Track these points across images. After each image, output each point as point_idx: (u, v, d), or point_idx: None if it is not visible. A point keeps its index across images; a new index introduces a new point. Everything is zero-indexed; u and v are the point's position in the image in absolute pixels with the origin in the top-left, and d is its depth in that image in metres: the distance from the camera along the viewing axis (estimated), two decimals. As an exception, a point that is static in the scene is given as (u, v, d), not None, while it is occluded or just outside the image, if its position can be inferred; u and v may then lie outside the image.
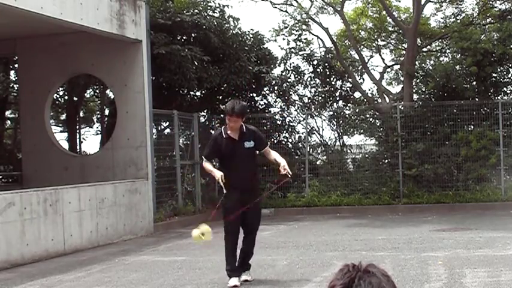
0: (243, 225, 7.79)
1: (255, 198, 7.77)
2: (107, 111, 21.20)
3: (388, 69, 24.01)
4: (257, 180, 7.87)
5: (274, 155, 7.98)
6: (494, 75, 17.03)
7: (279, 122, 18.68)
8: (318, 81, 19.73)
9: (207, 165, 7.81)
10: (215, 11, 17.40)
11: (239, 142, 7.72)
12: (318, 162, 18.49)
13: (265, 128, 18.19)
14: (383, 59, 26.74)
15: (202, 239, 7.20)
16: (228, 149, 7.68)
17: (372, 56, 23.67)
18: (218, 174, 7.54)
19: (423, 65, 19.68)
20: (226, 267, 7.83)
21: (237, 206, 7.57)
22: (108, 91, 19.48)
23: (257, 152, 7.98)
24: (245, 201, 7.59)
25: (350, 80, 19.66)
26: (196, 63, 15.71)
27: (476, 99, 16.89)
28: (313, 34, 21.01)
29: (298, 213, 16.01)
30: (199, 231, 7.22)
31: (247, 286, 7.74)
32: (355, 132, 18.82)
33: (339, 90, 19.91)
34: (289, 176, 7.65)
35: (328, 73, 19.74)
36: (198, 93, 17.83)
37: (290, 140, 18.72)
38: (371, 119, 18.59)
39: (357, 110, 18.81)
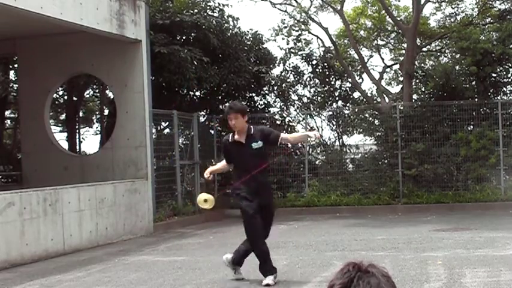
0: None
1: (267, 196, 7.90)
2: (106, 111, 21.20)
3: (388, 69, 24.02)
4: (266, 179, 8.16)
5: (294, 136, 8.91)
6: (493, 75, 17.02)
7: (278, 122, 18.66)
8: (317, 81, 19.73)
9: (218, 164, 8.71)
10: (214, 10, 17.41)
11: (246, 144, 7.77)
12: (317, 162, 18.48)
13: (264, 127, 18.18)
14: (382, 59, 26.70)
15: (204, 204, 7.70)
16: (235, 153, 7.85)
17: (371, 56, 23.67)
18: (206, 171, 8.19)
19: (423, 65, 19.70)
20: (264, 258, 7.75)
21: (254, 206, 7.61)
22: (108, 91, 19.47)
23: (276, 145, 8.35)
24: (261, 201, 7.67)
25: (349, 79, 19.66)
26: (195, 63, 15.71)
27: (476, 99, 16.89)
28: (312, 34, 21.04)
29: (298, 213, 15.99)
30: (204, 197, 7.75)
31: (247, 286, 7.75)
32: (355, 132, 18.83)
33: (338, 90, 19.91)
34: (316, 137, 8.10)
35: (327, 73, 19.74)
36: (197, 93, 17.85)
37: (290, 140, 18.67)
38: (370, 119, 18.58)
39: (356, 110, 18.81)
